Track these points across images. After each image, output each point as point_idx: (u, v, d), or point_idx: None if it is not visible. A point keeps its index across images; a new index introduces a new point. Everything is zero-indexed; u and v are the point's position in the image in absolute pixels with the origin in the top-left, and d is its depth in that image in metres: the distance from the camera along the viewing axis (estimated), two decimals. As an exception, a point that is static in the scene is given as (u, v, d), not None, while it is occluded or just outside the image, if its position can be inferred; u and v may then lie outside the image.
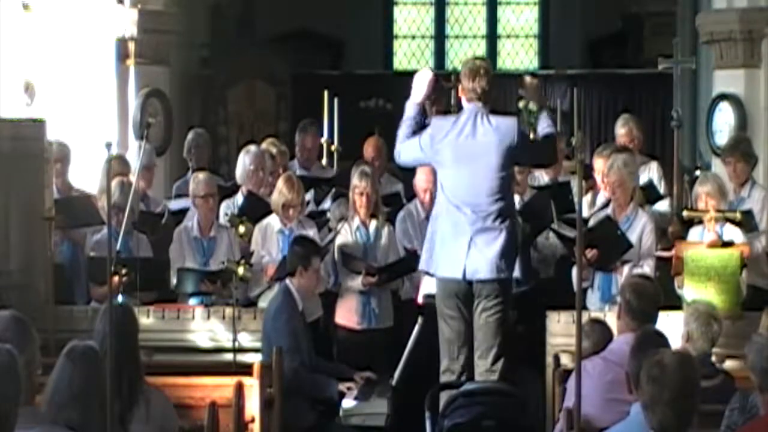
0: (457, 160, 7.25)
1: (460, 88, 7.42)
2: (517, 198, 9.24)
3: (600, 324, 7.05)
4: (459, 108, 7.63)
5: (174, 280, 8.61)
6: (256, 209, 8.96)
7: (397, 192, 9.80)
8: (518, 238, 7.45)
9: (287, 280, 8.03)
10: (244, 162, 9.30)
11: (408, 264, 8.49)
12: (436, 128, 7.38)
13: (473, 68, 7.36)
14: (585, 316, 7.37)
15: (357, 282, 8.54)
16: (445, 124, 7.40)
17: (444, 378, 7.29)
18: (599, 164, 9.20)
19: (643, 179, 9.44)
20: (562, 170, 9.94)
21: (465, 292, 7.27)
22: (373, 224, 8.70)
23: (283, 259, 8.44)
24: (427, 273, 7.51)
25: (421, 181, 8.86)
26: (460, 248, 7.20)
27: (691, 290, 8.01)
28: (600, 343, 6.58)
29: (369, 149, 10.10)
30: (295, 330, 7.80)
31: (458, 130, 7.31)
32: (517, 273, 7.32)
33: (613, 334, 6.72)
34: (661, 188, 9.67)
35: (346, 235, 8.68)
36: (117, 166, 9.32)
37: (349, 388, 7.75)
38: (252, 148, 9.46)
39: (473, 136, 7.27)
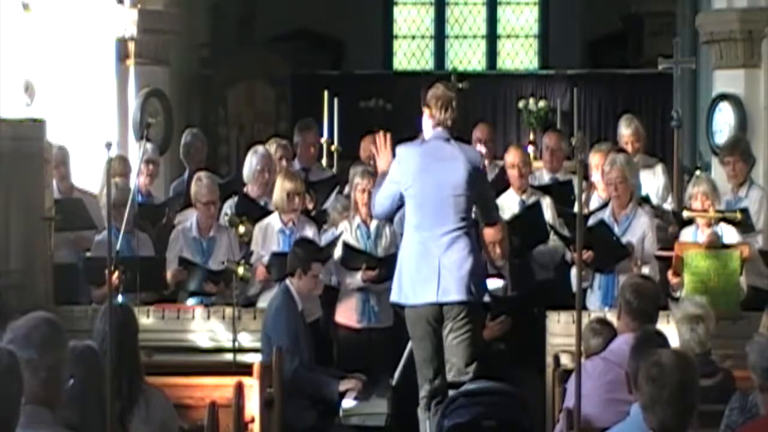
0: (423, 174, 7.17)
1: (428, 113, 7.31)
2: (517, 198, 9.26)
3: (609, 324, 7.01)
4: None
5: (172, 264, 8.60)
6: (248, 211, 8.95)
7: None
8: (482, 263, 7.44)
9: (287, 281, 8.03)
10: (251, 162, 9.28)
11: None
12: (403, 154, 7.30)
13: (445, 100, 7.26)
14: (585, 317, 7.38)
15: (357, 278, 8.53)
16: (410, 148, 7.35)
17: (422, 394, 7.16)
18: (596, 159, 9.20)
19: (648, 181, 9.44)
20: (562, 169, 9.94)
21: (435, 315, 7.18)
22: (374, 223, 8.70)
23: (271, 258, 8.45)
24: (399, 305, 7.37)
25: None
26: (430, 272, 7.13)
27: (690, 290, 8.01)
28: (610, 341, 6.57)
29: (366, 147, 10.07)
30: (295, 330, 7.81)
31: (425, 149, 7.29)
32: (485, 297, 7.31)
33: (620, 334, 6.72)
34: (667, 192, 9.64)
35: (346, 234, 8.68)
36: (117, 166, 9.32)
37: (349, 389, 7.76)
38: (260, 148, 9.43)
39: (441, 152, 7.22)
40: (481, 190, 7.34)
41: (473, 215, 7.42)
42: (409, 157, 7.24)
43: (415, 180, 7.18)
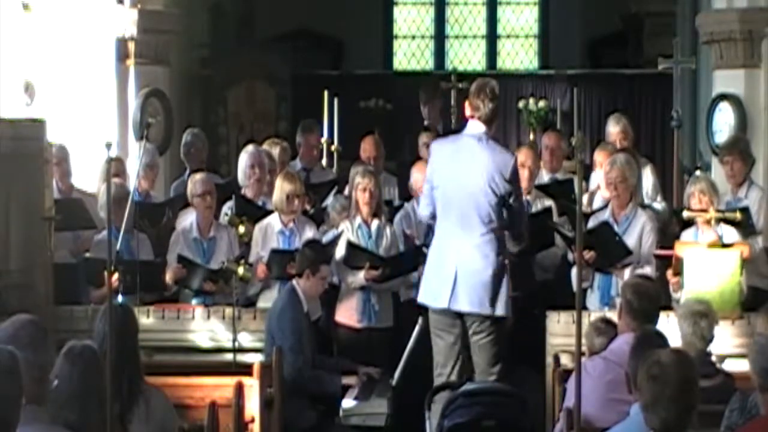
0: (446, 175, 7.23)
1: (468, 103, 7.38)
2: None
3: (614, 323, 7.01)
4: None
5: (171, 258, 8.60)
6: (246, 213, 8.94)
7: (389, 200, 9.82)
8: (504, 275, 7.37)
9: (294, 281, 8.03)
10: (243, 162, 9.30)
11: (413, 257, 8.48)
12: (437, 150, 7.40)
13: (485, 90, 7.31)
14: (585, 317, 7.38)
15: (359, 277, 8.53)
16: (444, 145, 7.43)
17: (437, 381, 7.32)
18: (600, 157, 9.19)
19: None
20: (561, 169, 9.93)
21: (451, 318, 7.35)
22: (375, 223, 8.70)
23: (270, 256, 8.45)
24: (423, 305, 7.49)
25: (417, 181, 8.86)
26: (444, 278, 7.24)
27: (690, 291, 8.01)
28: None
29: (366, 147, 10.10)
30: (299, 329, 7.82)
31: (455, 147, 7.34)
32: (501, 311, 7.31)
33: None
34: (656, 192, 9.65)
35: (347, 234, 8.68)
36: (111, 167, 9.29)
37: (351, 385, 7.77)
38: (250, 147, 9.45)
39: (468, 153, 7.26)
40: (508, 199, 7.30)
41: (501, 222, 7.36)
42: (439, 155, 7.31)
43: (440, 181, 7.26)
